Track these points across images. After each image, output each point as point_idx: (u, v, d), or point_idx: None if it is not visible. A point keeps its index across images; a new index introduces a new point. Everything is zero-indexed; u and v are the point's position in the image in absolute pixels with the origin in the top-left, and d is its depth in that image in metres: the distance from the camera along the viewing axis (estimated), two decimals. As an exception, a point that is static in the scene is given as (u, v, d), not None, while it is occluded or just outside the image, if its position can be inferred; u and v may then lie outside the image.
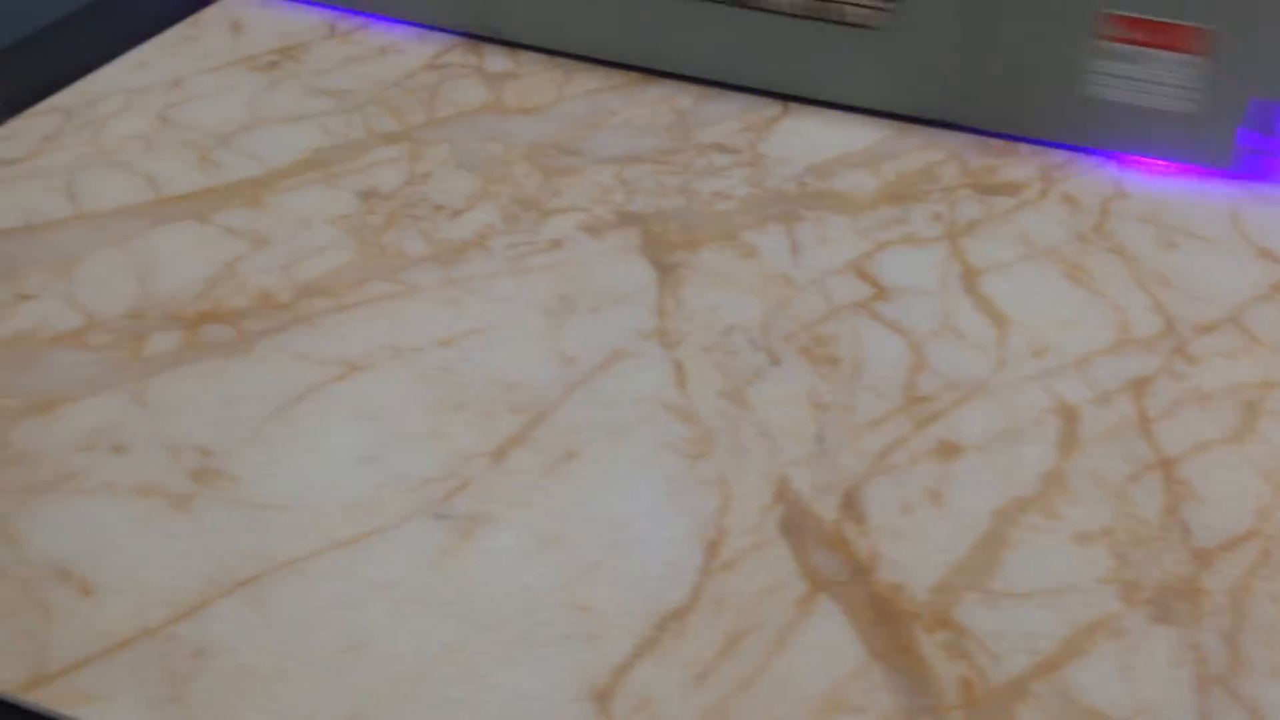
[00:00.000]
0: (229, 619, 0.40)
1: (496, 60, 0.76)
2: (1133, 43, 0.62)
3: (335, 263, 0.57)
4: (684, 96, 0.72)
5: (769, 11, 0.69)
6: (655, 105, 0.71)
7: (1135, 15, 0.61)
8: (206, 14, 0.79)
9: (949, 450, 0.48)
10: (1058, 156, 0.67)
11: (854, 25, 0.68)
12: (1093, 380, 0.52)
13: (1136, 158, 0.66)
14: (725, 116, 0.70)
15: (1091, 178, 0.65)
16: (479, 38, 0.77)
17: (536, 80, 0.74)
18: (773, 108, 0.71)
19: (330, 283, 0.56)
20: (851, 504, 0.46)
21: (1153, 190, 0.64)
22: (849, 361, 0.53)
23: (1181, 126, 0.64)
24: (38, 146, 0.64)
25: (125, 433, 0.47)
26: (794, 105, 0.72)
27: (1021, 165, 0.66)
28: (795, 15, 0.68)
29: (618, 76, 0.74)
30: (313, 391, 0.50)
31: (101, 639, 0.39)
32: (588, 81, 0.74)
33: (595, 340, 0.54)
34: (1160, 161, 0.65)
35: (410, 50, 0.76)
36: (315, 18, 0.79)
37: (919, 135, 0.69)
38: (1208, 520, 0.45)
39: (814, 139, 0.69)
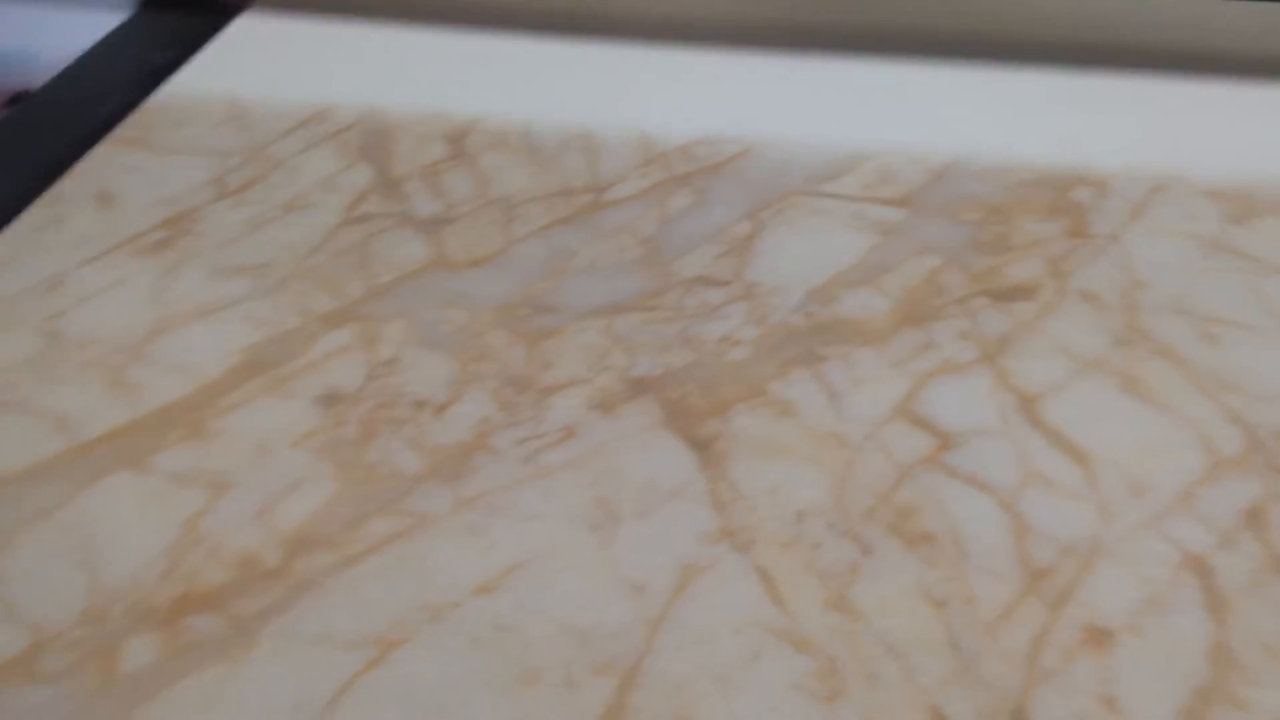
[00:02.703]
0: None
1: (421, 201, 0.67)
2: None
3: (319, 499, 0.48)
4: (645, 223, 0.65)
5: None
6: (617, 236, 0.64)
7: None
8: (65, 186, 0.67)
9: (1099, 637, 0.43)
10: (1057, 247, 0.63)
11: None
12: (1206, 520, 0.47)
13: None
14: (698, 241, 0.64)
15: (1099, 267, 0.61)
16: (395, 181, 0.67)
17: (475, 221, 0.65)
18: (742, 224, 0.65)
19: (322, 528, 0.46)
20: (1024, 730, 0.40)
21: (1168, 272, 0.60)
22: (946, 537, 0.47)
23: None
24: (-100, 395, 0.52)
25: (130, 803, 0.37)
26: (764, 218, 0.66)
27: (1024, 262, 0.62)
28: None
29: (561, 206, 0.67)
30: (349, 689, 0.41)
31: None
32: (532, 217, 0.66)
33: (657, 555, 0.46)
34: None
35: (319, 202, 0.66)
36: (196, 174, 0.68)
37: (907, 238, 0.64)
38: (1401, 682, 0.41)
39: (799, 257, 0.63)
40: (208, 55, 0.81)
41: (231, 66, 0.80)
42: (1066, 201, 0.66)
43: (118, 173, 0.68)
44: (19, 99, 0.91)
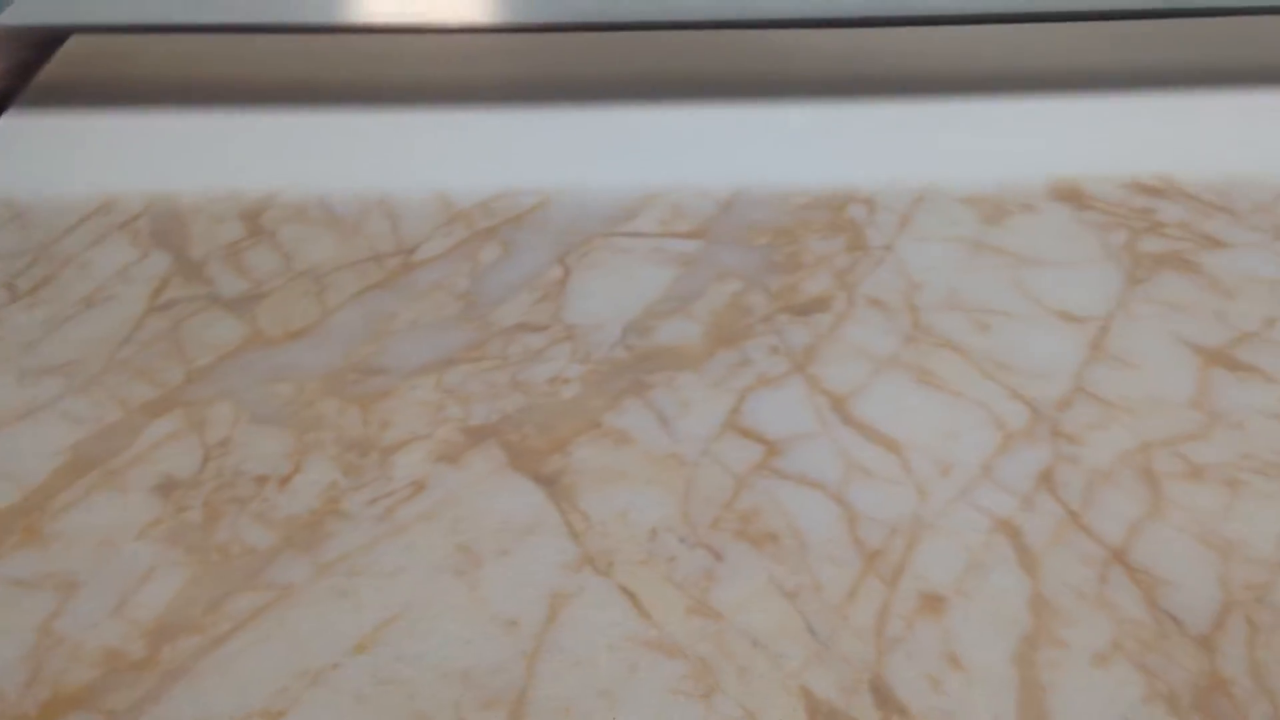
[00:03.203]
0: None
1: (227, 282, 0.66)
2: None
3: (175, 586, 0.47)
4: (457, 278, 0.67)
5: None
6: (432, 294, 0.66)
7: None
8: None
9: (933, 603, 0.47)
10: (841, 261, 0.68)
11: None
12: (1008, 487, 0.53)
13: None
14: (512, 290, 0.66)
15: (880, 275, 0.67)
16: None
17: (286, 294, 0.66)
18: (552, 270, 0.68)
19: (183, 613, 0.46)
20: (884, 695, 0.44)
21: (939, 273, 0.67)
22: (787, 534, 0.50)
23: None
24: None
25: None
26: (571, 262, 0.69)
27: (816, 277, 0.67)
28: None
29: (372, 271, 0.68)
30: (240, 766, 0.40)
31: None
32: (344, 285, 0.67)
33: (524, 589, 0.48)
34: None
35: (119, 294, 0.65)
36: (-18, 277, 0.66)
37: (706, 267, 0.68)
38: (1186, 603, 0.47)
39: (611, 295, 0.66)
40: (-27, 155, 0.78)
41: (3, 167, 0.77)
42: (843, 219, 0.72)
43: (-106, 284, 0.65)
44: None
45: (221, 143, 0.81)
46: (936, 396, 0.58)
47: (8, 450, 0.53)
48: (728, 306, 0.65)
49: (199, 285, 0.66)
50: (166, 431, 0.55)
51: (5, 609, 0.46)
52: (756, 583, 0.48)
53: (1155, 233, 0.70)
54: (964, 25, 0.82)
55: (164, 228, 0.71)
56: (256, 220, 0.73)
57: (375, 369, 0.60)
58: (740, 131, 0.82)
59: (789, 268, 0.68)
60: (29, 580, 0.47)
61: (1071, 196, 0.74)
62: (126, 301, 0.65)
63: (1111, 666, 0.44)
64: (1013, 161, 0.78)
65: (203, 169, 0.78)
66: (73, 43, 0.93)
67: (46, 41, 0.93)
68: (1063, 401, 0.58)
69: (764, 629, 0.46)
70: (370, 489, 0.52)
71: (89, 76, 0.89)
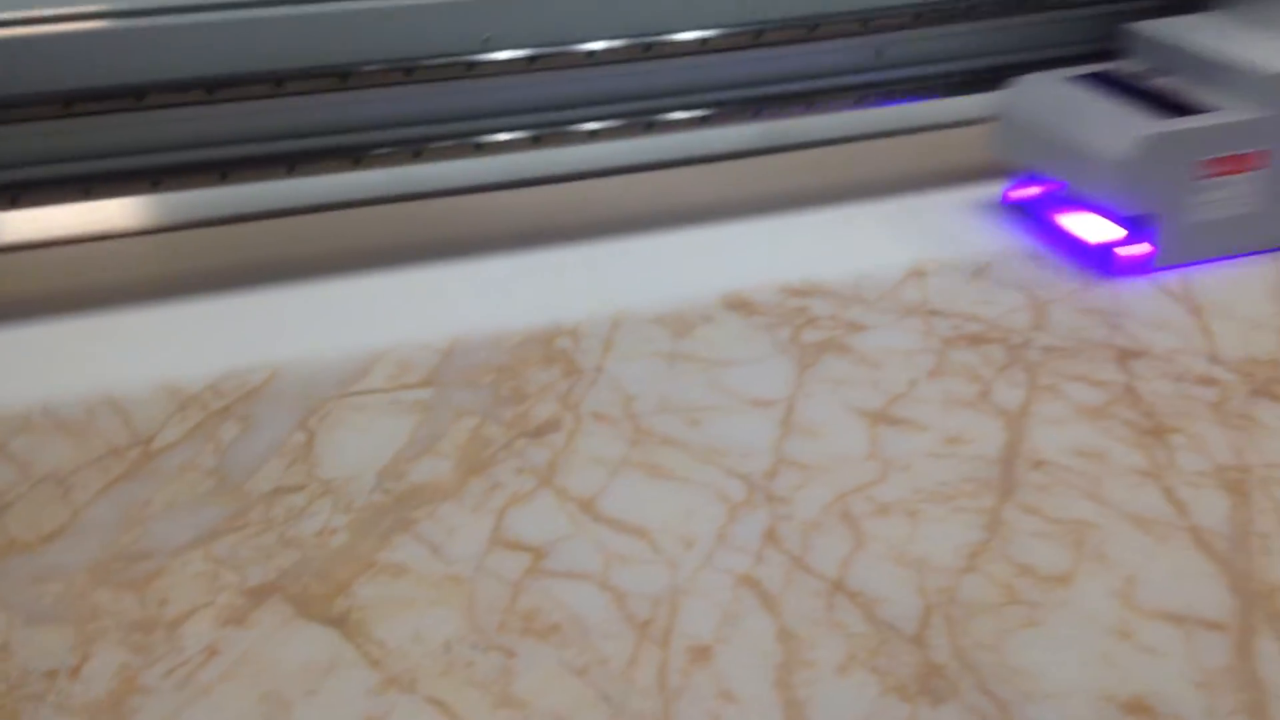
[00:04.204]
0: None
1: (-38, 496, 0.66)
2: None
3: (-18, 792, 0.47)
4: (204, 457, 0.70)
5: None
6: (182, 476, 0.68)
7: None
8: None
9: (701, 654, 0.55)
10: (561, 386, 0.77)
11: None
12: (741, 548, 0.62)
13: (621, 366, 0.78)
14: (261, 460, 0.69)
15: (597, 393, 0.76)
16: None
17: (30, 502, 0.66)
18: (296, 435, 0.72)
19: (-2, 816, 0.46)
20: (677, 737, 0.50)
21: (647, 384, 0.76)
22: (567, 623, 0.57)
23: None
24: None
25: None
26: (313, 425, 0.73)
27: (542, 403, 0.75)
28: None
29: (113, 465, 0.69)
30: None
31: None
32: (88, 482, 0.67)
33: (338, 721, 0.51)
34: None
35: None
36: None
37: (442, 410, 0.74)
38: (897, 613, 0.57)
39: (359, 448, 0.71)
40: None
41: None
42: (554, 350, 0.81)
43: None
44: None
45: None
46: (668, 485, 0.67)
47: None
48: (470, 440, 0.71)
49: (-69, 505, 0.65)
50: (-66, 650, 0.55)
51: None
52: (549, 669, 0.54)
53: (812, 326, 0.83)
54: (624, 175, 0.95)
55: (-124, 456, 0.70)
56: (-22, 435, 0.72)
57: (140, 554, 0.61)
58: (447, 288, 0.90)
59: (516, 399, 0.75)
60: None
61: (740, 305, 0.86)
62: None
63: (851, 674, 0.53)
64: (688, 283, 0.89)
65: (-96, 394, 0.76)
66: None
67: None
68: (770, 472, 0.68)
69: (564, 706, 0.52)
70: (164, 662, 0.54)
71: None
